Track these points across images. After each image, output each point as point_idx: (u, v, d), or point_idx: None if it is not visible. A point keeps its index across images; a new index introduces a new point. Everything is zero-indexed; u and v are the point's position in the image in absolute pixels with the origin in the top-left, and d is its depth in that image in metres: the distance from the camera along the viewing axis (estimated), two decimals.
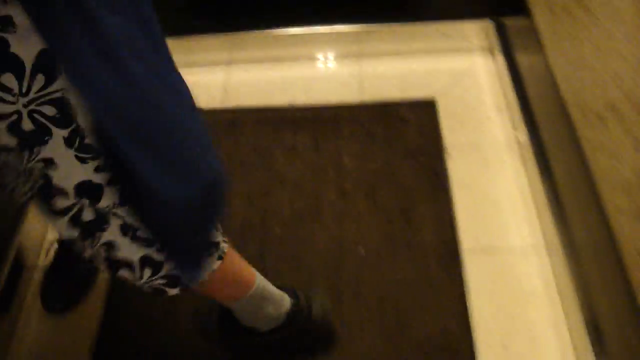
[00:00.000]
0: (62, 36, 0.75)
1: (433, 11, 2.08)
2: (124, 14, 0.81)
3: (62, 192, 0.87)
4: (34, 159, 0.82)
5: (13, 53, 0.74)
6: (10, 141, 0.80)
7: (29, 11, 0.72)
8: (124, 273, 1.00)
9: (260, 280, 1.28)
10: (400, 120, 1.90)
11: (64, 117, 0.81)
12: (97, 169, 0.87)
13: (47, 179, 0.85)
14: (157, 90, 0.86)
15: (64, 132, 0.82)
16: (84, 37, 0.75)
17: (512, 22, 2.00)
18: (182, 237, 1.02)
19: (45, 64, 0.76)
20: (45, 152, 0.82)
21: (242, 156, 1.85)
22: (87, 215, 0.91)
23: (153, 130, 0.86)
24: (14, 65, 0.74)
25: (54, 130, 0.81)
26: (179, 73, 0.93)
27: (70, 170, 0.86)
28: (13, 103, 0.76)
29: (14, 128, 0.78)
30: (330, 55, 2.14)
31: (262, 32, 2.09)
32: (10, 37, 0.72)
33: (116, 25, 0.79)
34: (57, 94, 0.79)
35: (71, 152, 0.84)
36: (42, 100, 0.78)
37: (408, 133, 1.87)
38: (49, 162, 0.84)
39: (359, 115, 1.93)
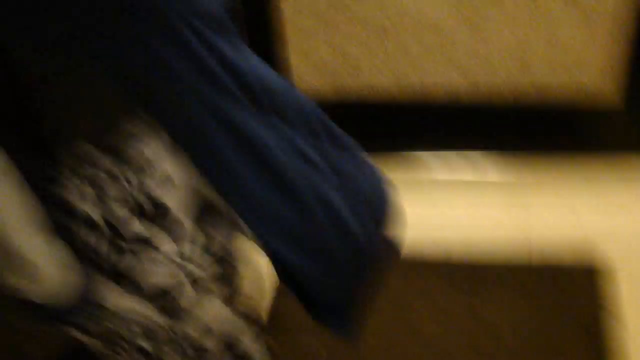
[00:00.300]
0: (223, 169, 0.70)
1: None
2: (277, 121, 0.76)
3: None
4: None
5: (173, 213, 0.70)
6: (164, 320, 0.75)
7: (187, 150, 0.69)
8: None
9: None
10: (573, 289, 1.62)
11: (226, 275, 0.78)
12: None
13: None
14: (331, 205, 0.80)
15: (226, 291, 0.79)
16: (250, 172, 0.72)
17: None
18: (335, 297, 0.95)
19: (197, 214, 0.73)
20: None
21: (380, 313, 1.60)
22: None
23: (320, 241, 0.81)
24: (173, 224, 0.71)
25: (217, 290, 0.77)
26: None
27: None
28: (172, 266, 0.71)
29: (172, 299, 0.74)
30: (493, 199, 1.90)
31: (412, 161, 1.91)
32: (167, 197, 0.70)
33: (273, 139, 0.73)
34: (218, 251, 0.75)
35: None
36: (203, 259, 0.74)
37: (582, 305, 1.58)
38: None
39: (524, 279, 1.66)
